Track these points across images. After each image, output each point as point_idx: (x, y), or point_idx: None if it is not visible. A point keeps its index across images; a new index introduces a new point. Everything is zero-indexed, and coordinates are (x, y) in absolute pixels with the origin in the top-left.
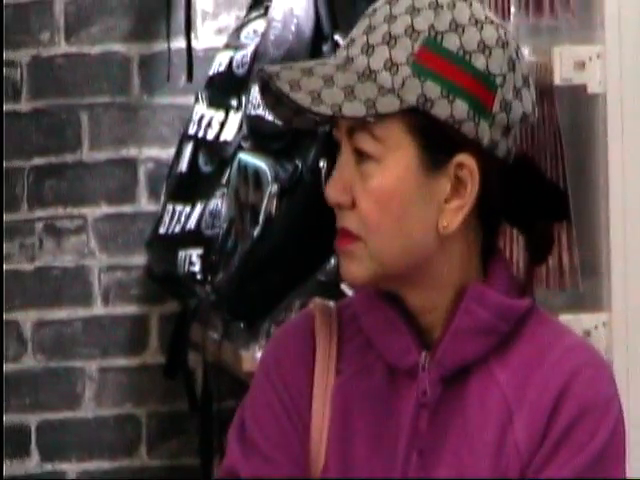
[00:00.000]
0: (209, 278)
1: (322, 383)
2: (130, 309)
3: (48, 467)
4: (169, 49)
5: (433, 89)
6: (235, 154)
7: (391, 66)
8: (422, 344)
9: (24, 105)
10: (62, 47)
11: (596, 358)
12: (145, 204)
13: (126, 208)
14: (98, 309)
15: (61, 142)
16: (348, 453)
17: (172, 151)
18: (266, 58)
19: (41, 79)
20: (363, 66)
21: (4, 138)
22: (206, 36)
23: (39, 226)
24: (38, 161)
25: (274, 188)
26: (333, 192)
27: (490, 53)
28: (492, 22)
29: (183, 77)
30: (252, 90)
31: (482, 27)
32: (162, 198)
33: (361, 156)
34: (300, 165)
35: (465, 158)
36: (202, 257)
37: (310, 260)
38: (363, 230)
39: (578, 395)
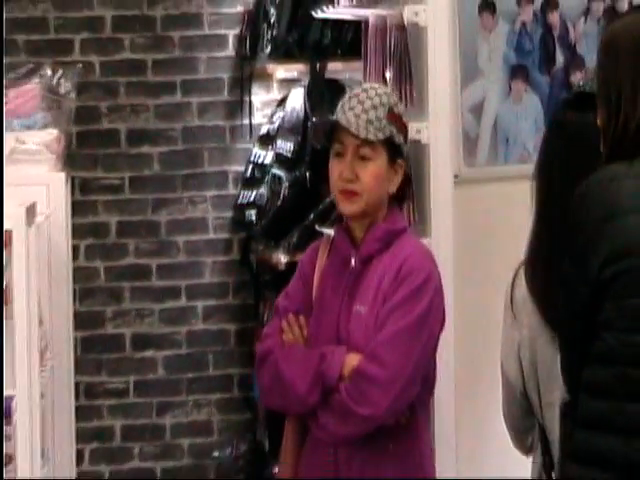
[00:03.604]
0: (259, 223)
1: (319, 268)
2: (224, 235)
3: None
4: (242, 124)
5: (394, 130)
6: (270, 169)
7: (380, 119)
8: (355, 247)
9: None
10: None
11: (424, 254)
12: (232, 190)
13: (223, 192)
14: (210, 236)
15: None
16: (323, 297)
17: (243, 168)
18: (284, 128)
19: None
20: (368, 118)
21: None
22: (258, 118)
23: (185, 200)
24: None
25: (286, 184)
26: (347, 175)
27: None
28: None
29: (248, 135)
30: (277, 141)
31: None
32: (239, 187)
33: (362, 157)
34: (298, 174)
35: (401, 161)
36: (256, 214)
37: (300, 217)
38: (362, 190)
39: (409, 265)
